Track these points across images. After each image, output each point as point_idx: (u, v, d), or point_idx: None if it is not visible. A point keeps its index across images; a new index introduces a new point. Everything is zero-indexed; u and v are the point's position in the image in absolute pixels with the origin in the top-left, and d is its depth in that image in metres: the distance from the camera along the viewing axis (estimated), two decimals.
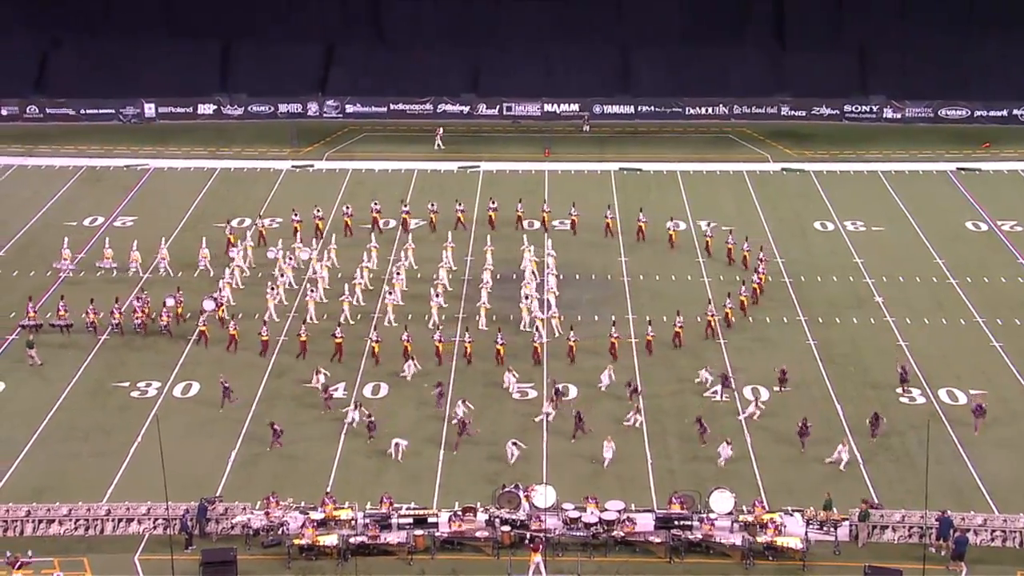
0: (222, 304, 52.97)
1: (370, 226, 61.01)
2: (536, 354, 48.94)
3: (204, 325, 50.66)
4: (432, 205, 62.16)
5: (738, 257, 57.80)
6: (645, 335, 49.88)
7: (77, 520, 38.58)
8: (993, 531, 37.90)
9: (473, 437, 43.09)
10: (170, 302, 52.27)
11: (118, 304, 51.98)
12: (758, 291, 54.11)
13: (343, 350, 49.12)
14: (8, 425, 44.78)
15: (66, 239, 58.32)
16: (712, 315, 51.20)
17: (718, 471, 41.37)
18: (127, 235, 60.37)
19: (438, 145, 74.84)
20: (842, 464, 41.62)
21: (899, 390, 46.26)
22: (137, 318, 51.55)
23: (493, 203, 62.50)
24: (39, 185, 68.80)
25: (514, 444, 42.34)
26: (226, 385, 45.74)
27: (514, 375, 46.97)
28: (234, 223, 60.67)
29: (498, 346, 48.66)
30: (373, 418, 43.79)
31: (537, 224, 62.25)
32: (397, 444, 42.49)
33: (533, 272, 55.19)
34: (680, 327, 50.10)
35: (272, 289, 53.40)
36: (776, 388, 46.10)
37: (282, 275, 55.11)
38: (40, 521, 38.50)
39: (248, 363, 49.17)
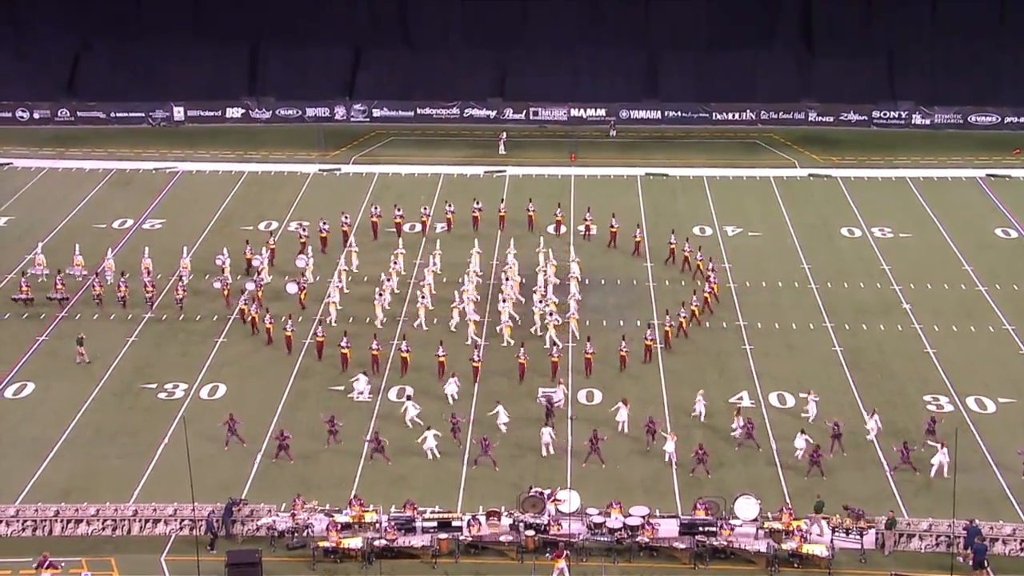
0: (304, 289, 53.89)
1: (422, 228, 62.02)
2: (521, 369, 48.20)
3: (291, 331, 49.98)
4: (477, 203, 62.90)
5: (692, 265, 57.20)
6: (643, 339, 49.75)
7: (105, 520, 38.90)
8: (1022, 541, 37.66)
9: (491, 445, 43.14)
10: (250, 286, 53.86)
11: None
12: (709, 300, 53.31)
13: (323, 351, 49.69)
14: (38, 425, 45.19)
15: (40, 244, 58.14)
16: (669, 325, 50.52)
17: (745, 479, 41.32)
18: (152, 237, 60.91)
19: (501, 150, 74.92)
20: (943, 468, 41.29)
21: (928, 441, 43.36)
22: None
23: (531, 204, 62.92)
24: (69, 187, 69.37)
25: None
26: (232, 423, 43.85)
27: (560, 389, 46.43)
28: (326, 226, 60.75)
29: (475, 363, 48.18)
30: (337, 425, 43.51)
31: (564, 229, 62.33)
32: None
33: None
34: (651, 339, 49.66)
35: (380, 295, 53.02)
36: (832, 444, 42.97)
37: (388, 279, 54.81)
38: (68, 521, 38.84)
39: (272, 362, 49.52)
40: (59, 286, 53.95)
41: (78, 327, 51.89)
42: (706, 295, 53.51)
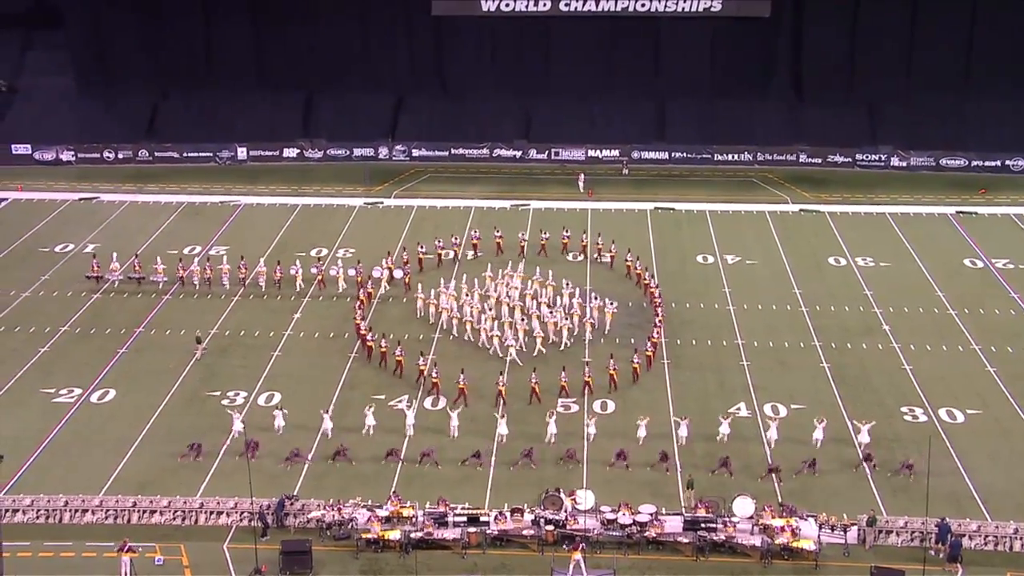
0: (408, 273, 56.33)
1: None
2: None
3: (401, 355, 48.43)
4: (497, 231, 63.46)
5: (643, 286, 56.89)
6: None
7: (175, 511, 39.26)
8: (986, 536, 37.60)
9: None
10: (351, 272, 56.58)
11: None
12: (661, 330, 51.84)
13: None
14: (119, 427, 45.62)
15: (114, 254, 59.90)
16: (647, 353, 49.69)
17: (736, 480, 41.18)
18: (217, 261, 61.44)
19: (581, 187, 74.90)
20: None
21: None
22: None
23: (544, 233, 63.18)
24: (147, 218, 70.06)
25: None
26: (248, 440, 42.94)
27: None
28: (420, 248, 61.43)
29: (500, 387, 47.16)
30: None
31: (581, 256, 62.51)
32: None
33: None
34: (637, 363, 48.73)
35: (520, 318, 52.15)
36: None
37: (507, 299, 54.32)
38: (144, 511, 39.25)
39: (328, 368, 49.72)
40: (137, 268, 57.40)
41: (152, 341, 52.59)
42: (658, 328, 51.78)
